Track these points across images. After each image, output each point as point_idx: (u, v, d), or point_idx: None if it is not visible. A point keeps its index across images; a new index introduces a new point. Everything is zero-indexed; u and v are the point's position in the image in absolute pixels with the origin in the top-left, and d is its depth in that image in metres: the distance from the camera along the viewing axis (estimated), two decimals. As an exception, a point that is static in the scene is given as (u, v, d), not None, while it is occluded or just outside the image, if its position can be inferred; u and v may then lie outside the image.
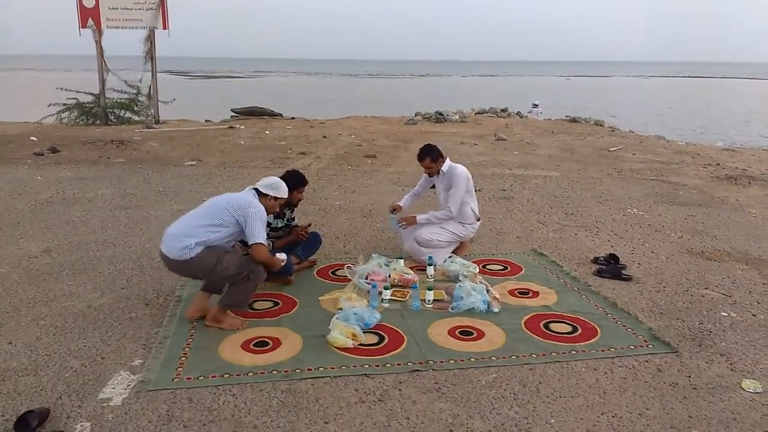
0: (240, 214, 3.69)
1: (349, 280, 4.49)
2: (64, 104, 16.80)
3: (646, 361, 3.46)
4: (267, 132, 14.17)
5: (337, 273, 4.77)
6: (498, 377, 3.25)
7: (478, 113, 19.49)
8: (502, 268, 5.00)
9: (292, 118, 18.33)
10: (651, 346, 3.63)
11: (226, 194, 3.99)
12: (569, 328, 3.85)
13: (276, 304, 4.13)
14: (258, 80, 73.87)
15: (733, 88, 65.68)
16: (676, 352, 3.58)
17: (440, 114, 17.50)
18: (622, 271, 4.87)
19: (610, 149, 12.76)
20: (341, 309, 3.94)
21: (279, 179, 4.00)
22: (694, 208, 7.46)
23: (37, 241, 5.54)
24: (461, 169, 5.07)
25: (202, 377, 3.19)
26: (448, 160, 5.13)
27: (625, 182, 9.14)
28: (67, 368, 3.27)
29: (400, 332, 3.74)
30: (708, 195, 8.31)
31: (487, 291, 4.17)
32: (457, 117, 17.51)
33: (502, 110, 19.70)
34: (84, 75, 18.98)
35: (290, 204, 4.63)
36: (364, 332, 3.64)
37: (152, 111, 17.35)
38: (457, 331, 3.77)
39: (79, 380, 3.15)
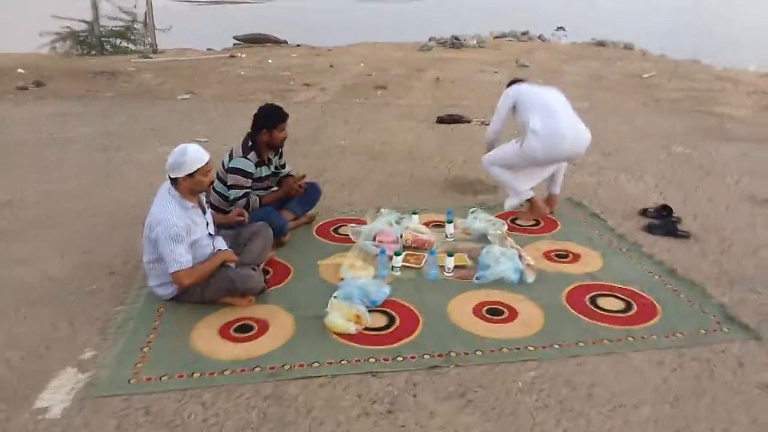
0: (152, 236, 2.98)
1: (354, 242, 3.78)
2: (57, 33, 15.83)
3: (723, 352, 2.76)
4: (269, 61, 13.16)
5: (340, 231, 4.04)
6: (538, 376, 2.57)
7: (497, 37, 18.12)
8: (533, 223, 4.25)
9: (298, 45, 17.14)
10: (726, 330, 2.92)
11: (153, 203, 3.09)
12: (622, 305, 3.14)
13: (265, 273, 3.43)
14: (265, 5, 71.00)
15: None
16: (759, 338, 2.86)
17: (456, 39, 16.24)
18: (677, 227, 4.11)
19: (643, 76, 11.68)
20: (342, 279, 3.25)
21: (183, 146, 2.99)
22: (748, 144, 6.57)
23: (0, 191, 4.85)
24: (509, 89, 4.37)
25: (166, 377, 2.55)
26: (513, 86, 4.38)
27: (664, 114, 8.20)
28: (2, 363, 2.65)
29: (414, 311, 3.05)
30: (761, 128, 7.38)
31: (520, 257, 3.44)
32: (475, 42, 16.24)
33: (522, 33, 18.31)
34: (76, 3, 17.79)
35: (273, 146, 3.83)
36: (369, 311, 2.96)
37: (149, 39, 16.33)
38: (483, 310, 3.07)
39: (14, 380, 2.54)
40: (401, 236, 3.76)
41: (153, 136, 6.73)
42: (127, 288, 3.31)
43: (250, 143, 3.74)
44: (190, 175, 2.96)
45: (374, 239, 3.71)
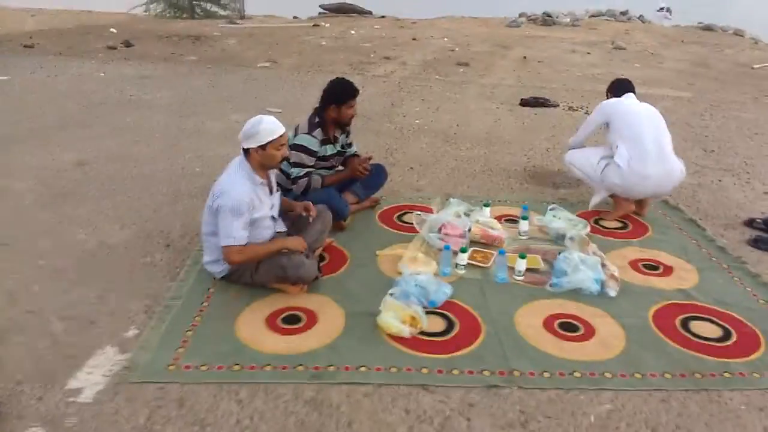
0: (213, 205, 2.83)
1: (417, 232, 3.51)
2: (152, -6, 16.33)
3: (843, 403, 2.32)
4: (352, 32, 12.96)
5: (404, 219, 3.79)
6: (614, 410, 2.23)
7: (593, 16, 17.07)
8: (620, 225, 3.83)
9: (382, 16, 16.85)
10: None
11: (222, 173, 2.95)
12: (719, 332, 2.72)
13: (321, 258, 3.24)
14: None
15: None
16: None
17: (548, 15, 15.43)
18: (790, 243, 3.57)
19: (754, 66, 10.61)
20: (401, 274, 3.00)
21: (259, 116, 2.82)
22: None
23: (74, 151, 4.91)
24: (605, 101, 4.04)
25: (205, 367, 2.40)
26: (616, 98, 4.02)
27: (778, 110, 7.35)
28: (45, 335, 2.59)
29: (477, 317, 2.76)
30: None
31: (602, 265, 3.06)
32: (568, 20, 15.38)
33: (621, 13, 17.15)
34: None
35: (341, 124, 3.59)
36: (427, 313, 2.70)
37: (237, 5, 16.54)
38: (556, 323, 2.74)
39: (53, 355, 2.46)
40: (469, 230, 3.46)
41: (227, 104, 6.68)
42: (181, 263, 3.21)
43: (316, 119, 3.53)
44: (262, 147, 2.78)
45: (439, 231, 3.43)
